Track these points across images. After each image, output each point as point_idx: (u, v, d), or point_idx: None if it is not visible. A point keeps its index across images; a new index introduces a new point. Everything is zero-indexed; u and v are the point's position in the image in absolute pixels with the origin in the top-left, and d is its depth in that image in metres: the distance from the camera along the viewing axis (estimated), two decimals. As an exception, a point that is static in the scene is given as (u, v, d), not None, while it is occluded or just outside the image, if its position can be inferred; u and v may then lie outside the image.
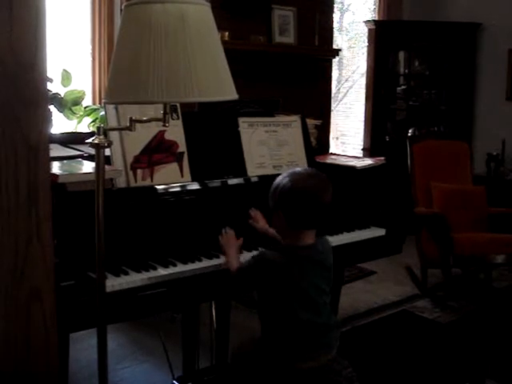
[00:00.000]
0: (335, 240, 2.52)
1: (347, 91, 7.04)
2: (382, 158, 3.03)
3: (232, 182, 2.49)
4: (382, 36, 6.02)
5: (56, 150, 2.48)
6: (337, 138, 6.96)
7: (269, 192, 2.12)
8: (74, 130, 3.89)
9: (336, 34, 6.36)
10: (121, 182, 2.21)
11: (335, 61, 6.05)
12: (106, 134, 1.76)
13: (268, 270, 2.04)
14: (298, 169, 2.15)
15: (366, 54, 6.30)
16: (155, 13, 1.59)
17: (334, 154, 3.41)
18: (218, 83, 1.69)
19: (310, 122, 3.13)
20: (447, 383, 2.39)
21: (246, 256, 2.23)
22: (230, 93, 1.75)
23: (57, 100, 3.77)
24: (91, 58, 4.50)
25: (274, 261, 2.03)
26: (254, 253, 2.23)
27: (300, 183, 2.03)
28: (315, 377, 2.08)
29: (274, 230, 2.22)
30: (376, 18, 6.40)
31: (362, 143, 6.41)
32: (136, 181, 2.24)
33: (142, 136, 2.26)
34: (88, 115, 4.00)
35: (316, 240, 2.12)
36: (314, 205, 2.03)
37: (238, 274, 2.13)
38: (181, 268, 2.14)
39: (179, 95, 1.61)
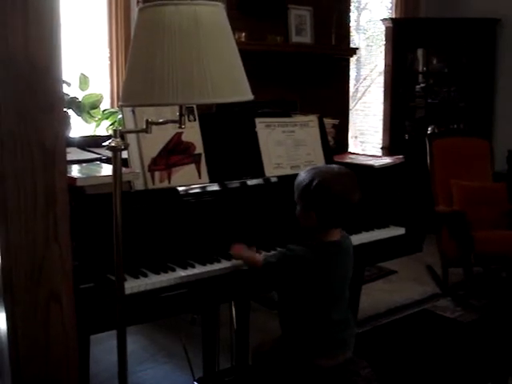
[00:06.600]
0: (354, 240, 2.49)
1: (365, 90, 7.01)
2: (401, 157, 3.01)
3: (251, 182, 2.48)
4: (400, 34, 6.00)
5: (74, 154, 2.49)
6: (356, 137, 6.93)
7: (288, 191, 2.11)
8: (92, 134, 3.92)
9: (353, 32, 6.34)
10: (139, 185, 2.21)
11: (353, 60, 6.04)
12: (122, 137, 1.77)
13: (298, 265, 2.03)
14: (328, 167, 2.13)
15: (383, 52, 6.27)
16: (169, 14, 1.59)
17: (353, 153, 3.39)
18: (232, 84, 1.69)
19: (328, 121, 3.11)
20: (469, 383, 2.37)
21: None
22: (244, 93, 1.74)
23: (75, 104, 3.80)
24: (109, 62, 4.53)
25: (305, 256, 2.03)
26: (273, 252, 2.23)
27: (337, 186, 2.03)
28: (333, 377, 2.07)
29: (303, 226, 2.15)
30: (393, 16, 6.37)
31: (381, 142, 6.38)
32: (154, 183, 2.24)
33: (159, 138, 2.27)
34: (106, 118, 4.02)
35: (340, 235, 2.15)
36: (347, 206, 2.04)
37: (265, 267, 2.11)
38: (200, 269, 2.14)
39: (194, 97, 1.61)
